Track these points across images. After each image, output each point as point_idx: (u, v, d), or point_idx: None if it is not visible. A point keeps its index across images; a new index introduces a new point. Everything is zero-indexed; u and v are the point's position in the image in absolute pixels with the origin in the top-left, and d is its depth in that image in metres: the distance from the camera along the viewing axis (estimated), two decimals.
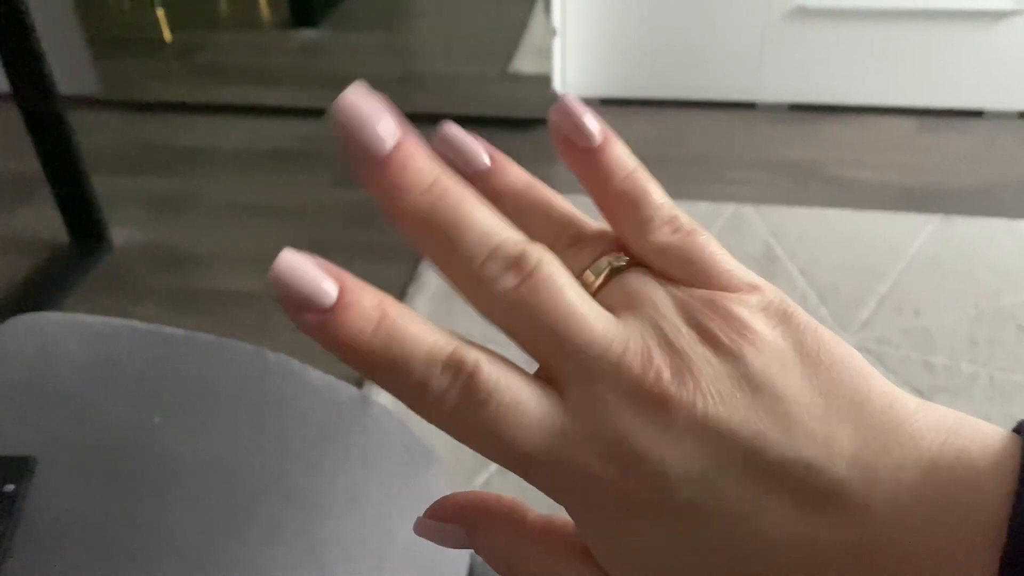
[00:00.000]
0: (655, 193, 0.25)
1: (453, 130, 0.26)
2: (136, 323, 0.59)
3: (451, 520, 0.25)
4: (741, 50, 1.84)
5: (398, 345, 0.21)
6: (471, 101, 1.88)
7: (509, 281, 0.22)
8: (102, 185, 1.52)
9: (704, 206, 1.59)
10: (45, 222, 1.55)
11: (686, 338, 0.22)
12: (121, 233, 1.56)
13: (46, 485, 0.49)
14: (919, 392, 1.20)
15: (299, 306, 0.21)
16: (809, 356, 0.22)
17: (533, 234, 0.24)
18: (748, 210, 1.58)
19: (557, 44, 1.81)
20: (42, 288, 1.43)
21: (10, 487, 0.48)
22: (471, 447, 0.22)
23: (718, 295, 0.22)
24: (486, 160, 0.26)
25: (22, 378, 0.55)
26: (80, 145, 1.45)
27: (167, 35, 2.02)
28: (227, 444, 0.51)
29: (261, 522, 0.48)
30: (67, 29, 1.91)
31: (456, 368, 0.21)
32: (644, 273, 0.24)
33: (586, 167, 0.25)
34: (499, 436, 0.21)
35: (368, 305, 0.22)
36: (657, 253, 0.24)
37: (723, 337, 0.22)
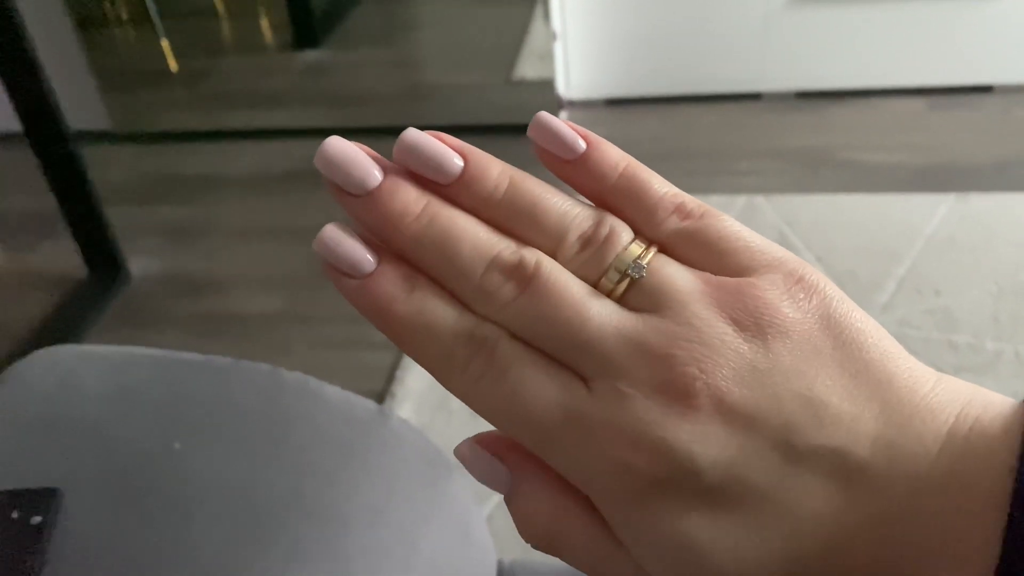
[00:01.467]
0: (654, 182, 0.24)
1: (413, 137, 0.24)
2: (152, 351, 0.60)
3: (501, 456, 0.24)
4: (743, 41, 1.83)
5: (428, 315, 0.23)
6: (476, 110, 1.88)
7: (511, 290, 0.22)
8: (117, 217, 1.54)
9: (716, 199, 1.58)
10: (64, 257, 1.57)
11: (713, 328, 0.21)
12: (139, 263, 1.57)
13: (72, 516, 0.49)
14: (947, 372, 1.19)
15: (340, 271, 0.23)
16: (838, 334, 0.21)
17: (533, 238, 0.24)
18: (760, 200, 1.57)
19: (558, 48, 1.82)
20: (64, 323, 1.44)
21: (37, 519, 0.48)
22: (493, 422, 0.23)
23: (744, 283, 0.22)
24: (455, 167, 0.24)
25: (44, 412, 0.56)
26: (94, 179, 1.46)
27: (173, 65, 2.04)
28: (247, 464, 0.52)
29: (284, 540, 0.48)
30: (74, 65, 1.93)
31: (479, 342, 0.22)
32: (662, 266, 0.23)
33: (578, 176, 0.25)
34: (519, 409, 0.22)
35: (403, 276, 0.23)
36: (671, 242, 0.23)
37: (751, 325, 0.21)
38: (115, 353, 0.60)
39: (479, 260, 0.23)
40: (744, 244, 0.23)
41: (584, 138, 0.25)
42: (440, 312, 0.23)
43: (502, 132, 1.78)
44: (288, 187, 1.75)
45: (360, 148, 0.24)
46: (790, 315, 0.21)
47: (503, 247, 0.23)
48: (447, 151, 0.24)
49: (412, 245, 0.23)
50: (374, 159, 0.24)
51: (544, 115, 0.25)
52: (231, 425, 0.54)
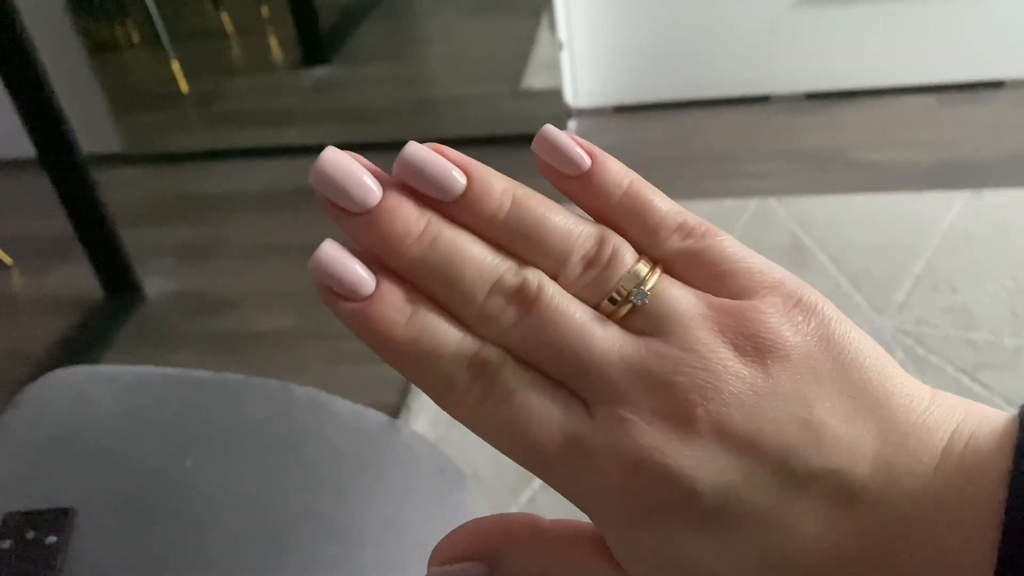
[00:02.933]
0: (658, 200, 0.24)
1: (414, 153, 0.23)
2: (164, 369, 0.60)
3: (468, 557, 0.25)
4: (750, 44, 1.83)
5: (428, 339, 0.22)
6: (485, 121, 1.89)
7: (514, 314, 0.22)
8: (131, 238, 1.55)
9: (728, 203, 1.57)
10: (79, 279, 1.58)
11: (715, 354, 0.21)
12: (153, 283, 1.58)
13: (86, 536, 0.49)
14: (963, 371, 1.18)
15: (337, 294, 0.23)
16: (836, 355, 0.22)
17: (536, 259, 0.23)
18: (773, 203, 1.57)
19: (565, 57, 1.82)
20: (81, 344, 1.45)
21: (52, 539, 0.48)
22: (495, 445, 0.23)
23: (745, 307, 0.22)
24: (458, 185, 0.23)
25: (57, 432, 0.56)
26: (107, 201, 1.48)
27: (184, 86, 2.05)
28: (259, 480, 0.52)
29: (298, 554, 0.48)
30: (86, 89, 1.95)
31: (481, 366, 0.22)
32: (665, 289, 0.23)
33: (582, 193, 0.24)
34: (520, 434, 0.22)
35: (403, 298, 0.22)
36: (673, 262, 0.23)
37: (751, 350, 0.21)
38: (127, 373, 0.60)
39: (482, 283, 0.22)
40: (745, 265, 0.23)
41: (589, 154, 0.24)
42: (441, 336, 0.22)
43: (511, 143, 1.78)
44: (299, 204, 1.76)
45: (358, 161, 0.23)
46: (790, 339, 0.21)
47: (505, 269, 0.23)
48: (449, 168, 0.23)
49: (413, 267, 0.23)
50: (373, 174, 0.23)
51: (549, 129, 0.24)
52: (243, 441, 0.55)
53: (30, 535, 0.48)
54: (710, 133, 1.82)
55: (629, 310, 0.22)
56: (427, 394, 0.23)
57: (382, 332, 0.22)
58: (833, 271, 1.40)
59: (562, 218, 0.23)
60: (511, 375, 0.22)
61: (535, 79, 1.87)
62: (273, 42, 2.11)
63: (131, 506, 0.51)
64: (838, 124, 1.79)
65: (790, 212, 1.54)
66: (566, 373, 0.22)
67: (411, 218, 0.23)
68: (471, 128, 1.88)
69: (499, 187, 0.23)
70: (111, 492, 0.52)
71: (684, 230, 0.24)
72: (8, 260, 1.68)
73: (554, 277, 0.23)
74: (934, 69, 1.83)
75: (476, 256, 0.23)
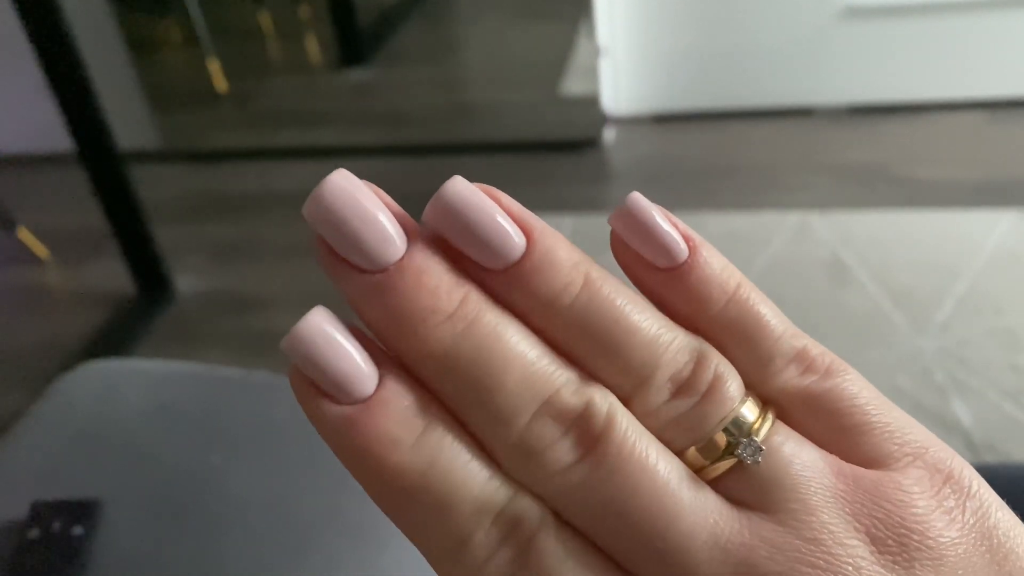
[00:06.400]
0: (770, 318, 0.18)
1: (460, 194, 0.17)
2: (193, 365, 0.60)
3: None
4: (794, 54, 1.80)
5: (441, 474, 0.16)
6: (521, 127, 1.88)
7: (568, 453, 0.16)
8: (165, 235, 1.55)
9: (768, 216, 1.55)
10: (112, 274, 1.59)
11: (845, 548, 0.16)
12: (185, 281, 1.59)
13: (111, 528, 0.49)
14: (1007, 396, 1.14)
15: (319, 391, 0.16)
16: (995, 553, 0.16)
17: (606, 373, 0.17)
18: (814, 217, 1.54)
19: (605, 63, 1.80)
20: (112, 338, 1.46)
21: (79, 530, 0.48)
22: None
23: (884, 481, 0.16)
24: (515, 248, 0.17)
25: (86, 424, 0.56)
26: (143, 197, 1.48)
27: (222, 85, 2.06)
28: (284, 480, 0.51)
29: (319, 556, 0.48)
30: (125, 86, 1.97)
31: (511, 526, 0.16)
32: (782, 444, 0.17)
33: (670, 291, 0.18)
34: None
35: (412, 408, 0.16)
36: (785, 401, 0.18)
37: (893, 546, 0.16)
38: (157, 368, 0.60)
39: (527, 398, 0.16)
40: (880, 420, 0.18)
41: (687, 240, 0.18)
42: (459, 471, 0.16)
43: (546, 149, 1.77)
44: None
45: (377, 195, 0.16)
46: (944, 535, 0.16)
47: (563, 382, 0.16)
48: (506, 224, 0.17)
49: (432, 360, 0.16)
50: (397, 217, 0.17)
51: (637, 200, 0.18)
52: (269, 441, 0.54)
53: (56, 525, 0.48)
54: (751, 145, 1.80)
55: (729, 468, 0.17)
56: (423, 551, 0.16)
57: (375, 455, 0.16)
58: (873, 289, 1.36)
59: (647, 316, 0.17)
60: (552, 545, 0.16)
61: (573, 86, 1.86)
62: (311, 43, 2.12)
63: (157, 500, 0.51)
64: (882, 139, 1.76)
65: (831, 227, 1.51)
66: (632, 552, 0.16)
67: (442, 287, 0.16)
68: (507, 133, 1.87)
69: (569, 259, 0.17)
70: (137, 486, 0.52)
71: (803, 361, 0.18)
72: (43, 252, 1.69)
73: (626, 401, 0.17)
74: (983, 84, 1.79)
75: (524, 357, 0.16)
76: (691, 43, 1.82)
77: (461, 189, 0.17)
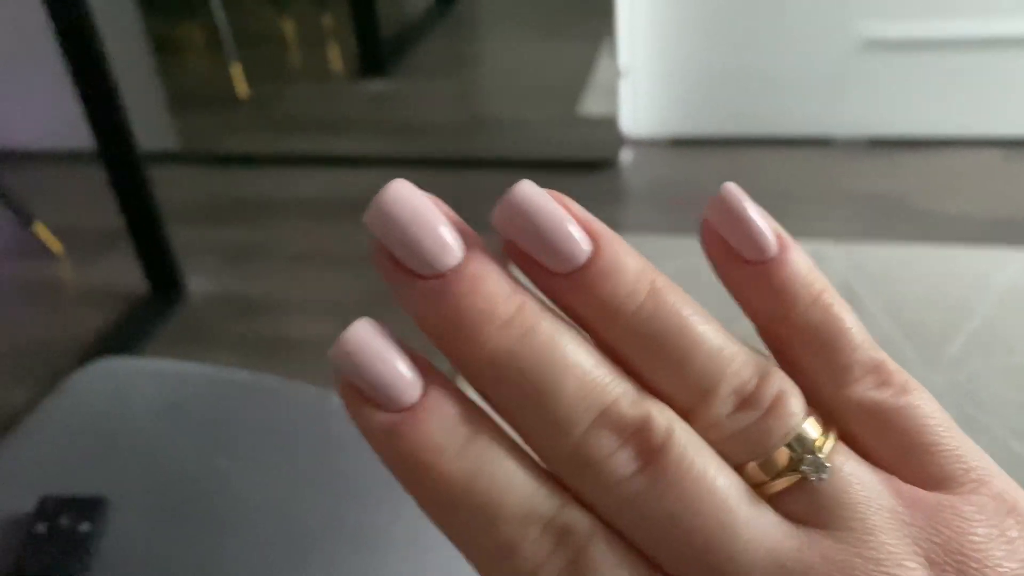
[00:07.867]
0: (852, 327, 0.18)
1: (530, 197, 0.17)
2: (204, 367, 0.60)
3: None
4: (815, 85, 1.80)
5: (488, 482, 0.16)
6: (539, 145, 1.88)
7: (626, 464, 0.16)
8: (180, 236, 1.56)
9: None
10: (126, 273, 1.60)
11: (902, 570, 0.15)
12: (198, 283, 1.59)
13: (117, 526, 0.49)
14: (1014, 433, 1.14)
15: (365, 398, 0.16)
16: None
17: (667, 385, 0.17)
18: (828, 247, 1.53)
19: (625, 85, 1.81)
20: (123, 337, 1.46)
21: (86, 526, 0.48)
22: None
23: (945, 505, 0.16)
24: (581, 252, 0.17)
25: (95, 422, 0.57)
26: (159, 198, 1.49)
27: (243, 90, 2.08)
28: (289, 485, 0.51)
29: (320, 563, 0.48)
30: (148, 87, 1.98)
31: (561, 534, 0.16)
32: (844, 464, 0.17)
33: (753, 287, 0.18)
34: None
35: (458, 416, 0.16)
36: (854, 412, 0.18)
37: (951, 571, 0.15)
38: (168, 368, 0.60)
39: (584, 408, 0.16)
40: (950, 443, 0.17)
41: (778, 237, 0.18)
42: (507, 478, 0.16)
43: (563, 168, 1.77)
44: (349, 214, 1.76)
45: (436, 204, 0.17)
46: (1003, 565, 0.15)
47: (620, 393, 0.16)
48: (574, 228, 0.17)
49: (489, 366, 0.16)
50: (455, 225, 0.17)
51: (732, 190, 0.18)
52: (276, 444, 0.54)
53: (64, 521, 0.49)
54: (767, 172, 1.80)
55: (791, 484, 0.16)
56: (470, 560, 0.16)
57: (422, 462, 0.16)
58: (885, 321, 1.36)
59: (713, 329, 0.17)
60: (604, 555, 0.15)
61: (592, 105, 1.87)
62: (333, 52, 2.13)
63: (163, 500, 0.51)
64: (900, 172, 1.76)
65: (844, 257, 1.51)
66: (686, 566, 0.16)
67: (499, 294, 0.16)
68: (524, 150, 1.88)
69: (635, 267, 0.17)
70: (144, 485, 0.52)
71: (880, 375, 0.18)
72: (58, 248, 1.70)
73: (684, 413, 0.17)
74: (1001, 123, 1.79)
75: (581, 366, 0.16)
76: (711, 68, 1.82)
77: (530, 192, 0.17)
